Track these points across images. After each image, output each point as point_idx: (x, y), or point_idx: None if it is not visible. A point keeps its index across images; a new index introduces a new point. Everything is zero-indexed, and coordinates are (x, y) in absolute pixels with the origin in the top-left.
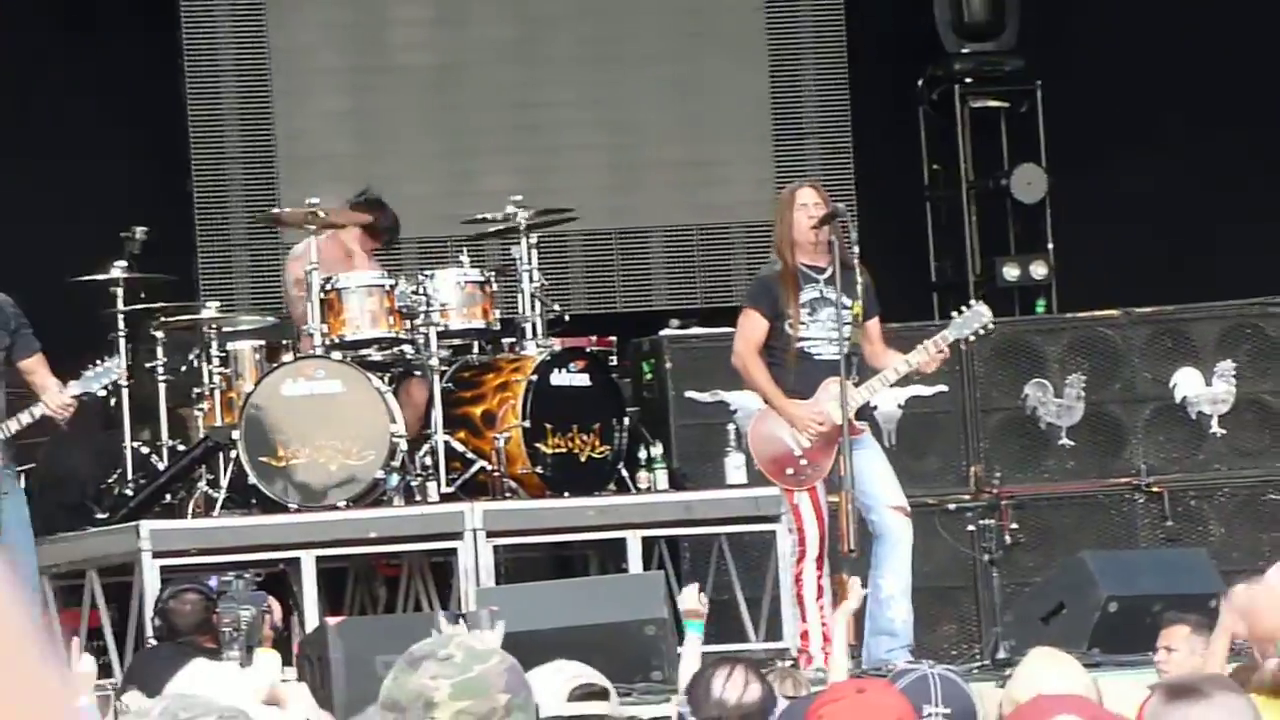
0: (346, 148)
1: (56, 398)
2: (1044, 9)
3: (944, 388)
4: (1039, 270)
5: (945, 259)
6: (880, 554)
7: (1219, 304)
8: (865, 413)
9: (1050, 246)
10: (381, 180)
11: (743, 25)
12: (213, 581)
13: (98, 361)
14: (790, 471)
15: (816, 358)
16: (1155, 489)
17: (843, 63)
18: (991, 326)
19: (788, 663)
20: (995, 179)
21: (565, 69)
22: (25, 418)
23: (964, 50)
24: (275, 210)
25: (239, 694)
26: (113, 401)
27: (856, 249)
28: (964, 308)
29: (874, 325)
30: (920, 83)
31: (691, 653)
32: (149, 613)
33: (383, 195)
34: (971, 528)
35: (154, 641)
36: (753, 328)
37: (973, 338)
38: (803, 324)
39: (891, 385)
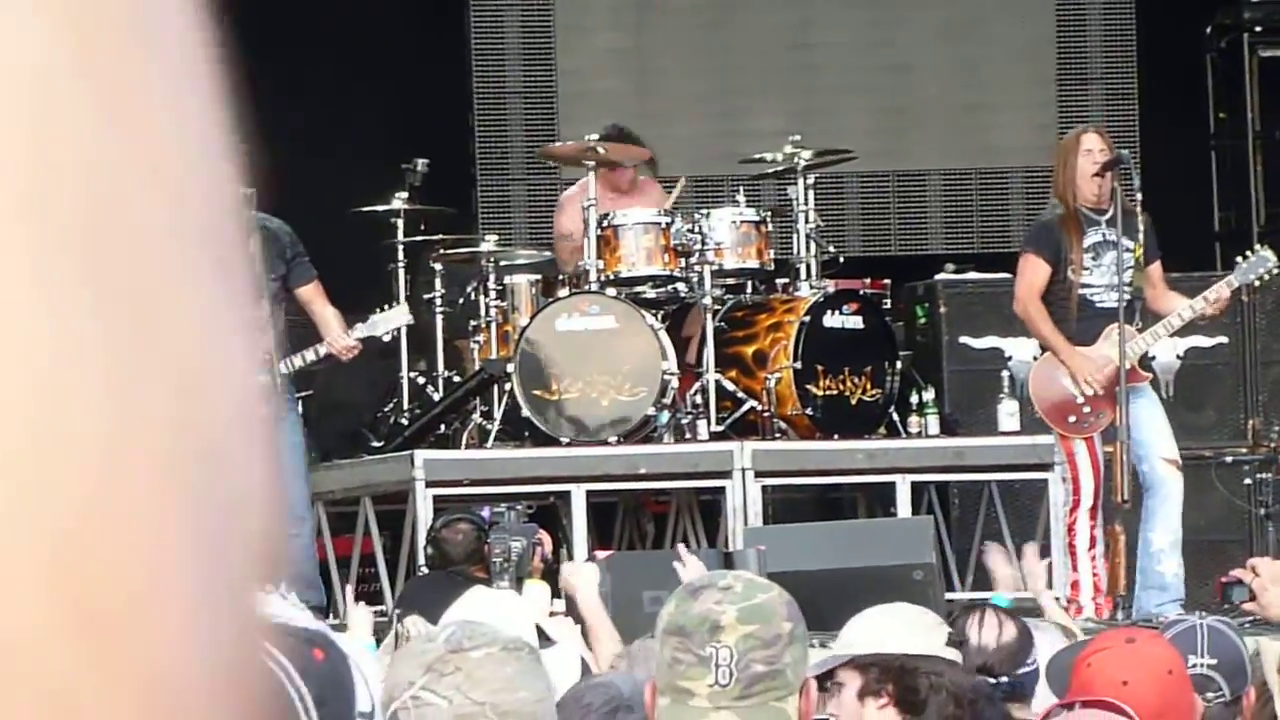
0: (624, 85)
1: (341, 339)
2: None
3: (1224, 339)
4: None
5: (1230, 208)
6: (1151, 506)
7: None
8: (1145, 361)
9: None
10: (657, 118)
11: None
12: (485, 512)
13: (385, 306)
14: (1073, 419)
15: (1098, 304)
16: None
17: (1129, 8)
18: (1277, 271)
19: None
20: None
21: (841, 11)
22: (310, 354)
23: None
24: (554, 145)
25: (517, 623)
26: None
27: (1139, 195)
28: (1249, 253)
29: (1156, 268)
30: (1208, 30)
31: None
32: (421, 541)
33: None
34: (1248, 481)
35: (425, 570)
36: (1035, 272)
37: (1257, 284)
38: (1086, 269)
39: (1174, 332)
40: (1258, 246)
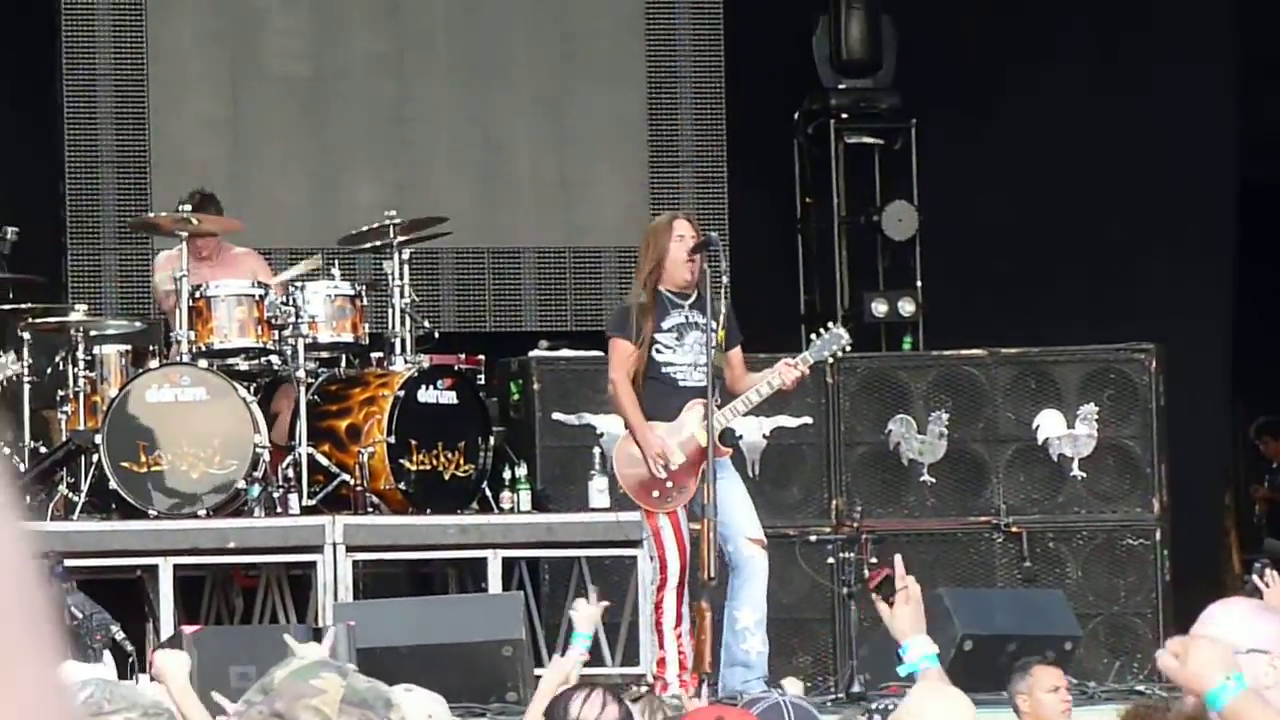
0: (220, 153)
1: None
2: (921, 47)
3: (809, 419)
4: (907, 307)
5: (814, 292)
6: (736, 585)
7: (1083, 348)
8: (728, 439)
9: (919, 284)
10: (253, 188)
11: (619, 49)
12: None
13: None
14: (655, 494)
15: (680, 382)
16: (1014, 529)
17: (720, 92)
18: (849, 348)
19: (644, 688)
20: (867, 214)
21: (438, 84)
22: None
23: (840, 86)
24: (149, 215)
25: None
26: None
27: (725, 279)
28: (823, 330)
29: (736, 353)
30: (796, 116)
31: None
32: None
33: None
34: (831, 560)
35: None
36: (620, 354)
37: (832, 360)
38: (668, 348)
39: (753, 407)
40: (831, 324)
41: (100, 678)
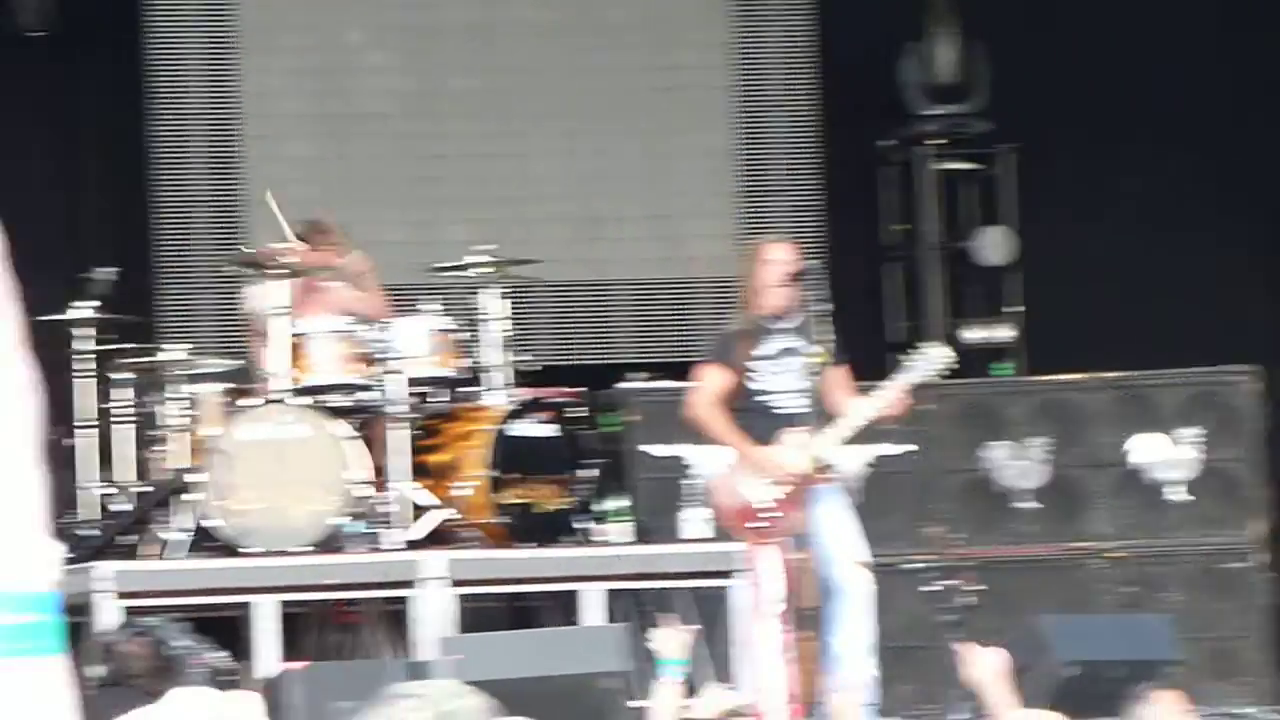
0: (313, 194)
1: None
2: (1014, 71)
3: (913, 447)
4: (1002, 333)
5: (909, 319)
6: (840, 612)
7: (1184, 370)
8: (827, 466)
9: (1014, 310)
10: (348, 226)
11: (711, 82)
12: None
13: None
14: (755, 524)
15: (777, 410)
16: (1116, 554)
17: (812, 121)
18: (952, 365)
19: (745, 718)
20: (960, 241)
21: (531, 121)
22: None
23: (931, 112)
24: (248, 250)
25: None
26: (72, 442)
27: (829, 305)
28: (919, 350)
29: (838, 374)
30: (888, 142)
31: (663, 695)
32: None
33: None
34: (931, 589)
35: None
36: (709, 380)
37: (931, 378)
38: (766, 376)
39: (853, 432)
40: (933, 344)
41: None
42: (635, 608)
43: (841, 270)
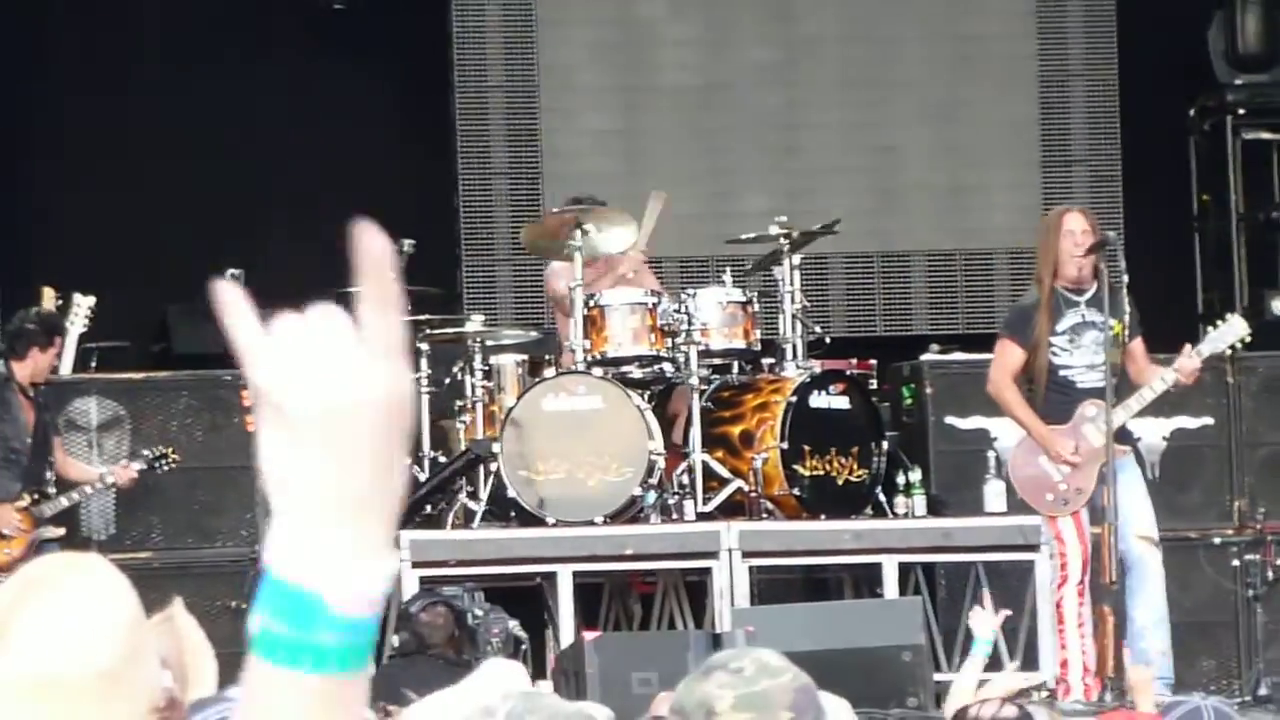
0: (610, 166)
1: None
2: None
3: (1210, 420)
4: None
5: (1213, 291)
6: (1132, 585)
7: None
8: (1125, 436)
9: None
10: (644, 199)
11: (1012, 51)
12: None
13: None
14: (1050, 497)
15: (1078, 385)
16: None
17: (1114, 90)
18: (1248, 339)
19: (1045, 693)
20: (1266, 211)
21: (829, 92)
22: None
23: (1237, 81)
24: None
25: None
26: None
27: (1125, 277)
28: (1218, 321)
29: (1138, 345)
30: (1191, 112)
31: (968, 671)
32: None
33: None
34: (1235, 563)
35: (394, 654)
36: (1008, 356)
37: (1228, 352)
38: (1064, 351)
39: (1148, 403)
40: (1228, 315)
41: (522, 689)
42: (934, 582)
43: (1144, 240)
